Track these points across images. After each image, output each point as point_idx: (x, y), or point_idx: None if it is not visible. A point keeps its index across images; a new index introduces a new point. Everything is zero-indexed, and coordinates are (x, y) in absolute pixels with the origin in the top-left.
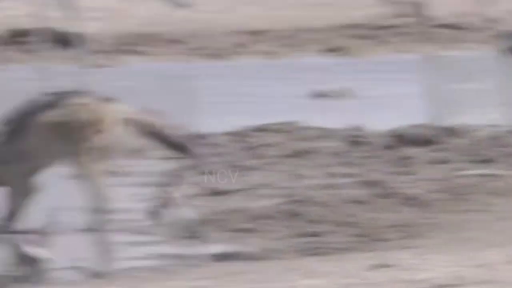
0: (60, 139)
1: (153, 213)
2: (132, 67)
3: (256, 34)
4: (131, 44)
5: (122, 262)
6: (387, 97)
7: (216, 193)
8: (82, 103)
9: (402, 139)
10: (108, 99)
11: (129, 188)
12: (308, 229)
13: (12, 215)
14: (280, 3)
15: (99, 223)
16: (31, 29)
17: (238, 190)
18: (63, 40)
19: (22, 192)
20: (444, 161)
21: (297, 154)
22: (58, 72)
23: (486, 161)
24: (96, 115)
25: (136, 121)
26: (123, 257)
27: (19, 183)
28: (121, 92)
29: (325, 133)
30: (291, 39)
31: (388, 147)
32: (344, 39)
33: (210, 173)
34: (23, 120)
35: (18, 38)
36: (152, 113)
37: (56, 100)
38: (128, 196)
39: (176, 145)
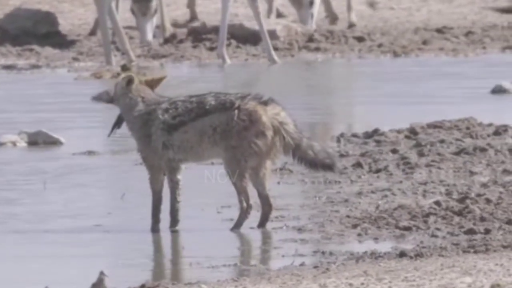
0: (219, 139)
1: None
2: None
3: (441, 31)
4: (316, 41)
5: (283, 259)
6: None
7: (382, 190)
8: (244, 106)
9: None
10: (267, 102)
11: (288, 185)
12: (476, 226)
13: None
14: (466, 0)
15: (241, 219)
16: (219, 26)
17: (405, 187)
18: (251, 37)
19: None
20: None
21: (469, 151)
22: (241, 69)
23: None
24: (255, 117)
25: (286, 130)
26: (283, 254)
27: (151, 170)
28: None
29: (502, 130)
30: (475, 36)
31: None
32: None
33: (377, 170)
34: (188, 117)
35: (203, 35)
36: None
37: (221, 103)
38: (287, 193)
39: (316, 165)
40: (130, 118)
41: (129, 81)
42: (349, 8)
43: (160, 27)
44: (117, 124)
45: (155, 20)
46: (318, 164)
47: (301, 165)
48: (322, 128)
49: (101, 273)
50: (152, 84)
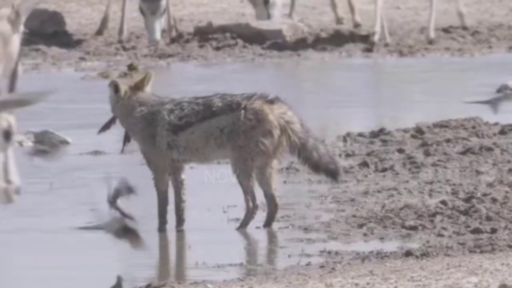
0: (226, 140)
1: None
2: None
3: (447, 30)
4: (324, 41)
5: (289, 259)
6: None
7: (388, 189)
8: (250, 106)
9: None
10: (273, 101)
11: (294, 185)
12: (482, 226)
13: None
14: (472, 0)
15: (247, 219)
16: (225, 25)
17: (411, 187)
18: (258, 37)
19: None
20: None
21: (475, 150)
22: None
23: None
24: (262, 116)
25: (292, 129)
26: (289, 253)
27: (157, 170)
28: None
29: (508, 129)
30: (482, 36)
31: None
32: None
33: (384, 169)
34: (195, 118)
35: (210, 34)
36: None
37: (227, 104)
38: (293, 192)
39: (319, 169)
40: (131, 121)
41: (115, 86)
42: (351, 9)
43: (167, 27)
44: (126, 137)
45: (163, 20)
46: (321, 167)
47: (305, 166)
48: (328, 128)
49: (119, 277)
50: (140, 85)
